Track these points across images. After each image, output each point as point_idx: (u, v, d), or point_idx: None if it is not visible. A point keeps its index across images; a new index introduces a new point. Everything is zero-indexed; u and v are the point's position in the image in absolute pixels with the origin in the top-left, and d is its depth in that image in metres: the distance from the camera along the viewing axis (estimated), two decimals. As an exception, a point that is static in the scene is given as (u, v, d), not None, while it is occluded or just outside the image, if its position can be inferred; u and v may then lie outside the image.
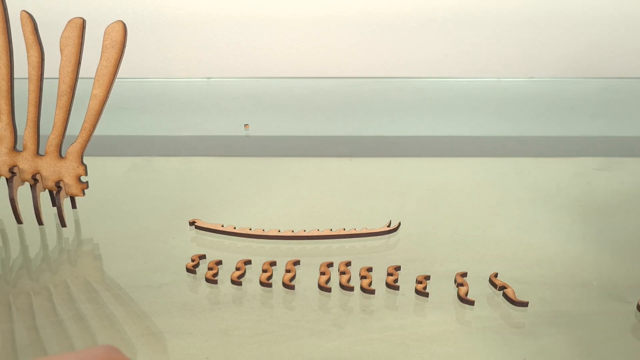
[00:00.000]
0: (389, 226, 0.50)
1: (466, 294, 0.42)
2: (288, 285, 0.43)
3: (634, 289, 0.43)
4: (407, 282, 0.43)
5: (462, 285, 0.43)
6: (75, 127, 0.49)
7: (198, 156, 0.70)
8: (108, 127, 0.56)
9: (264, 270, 0.44)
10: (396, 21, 0.97)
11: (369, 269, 0.45)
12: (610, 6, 0.95)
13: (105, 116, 0.48)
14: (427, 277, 0.44)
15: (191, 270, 0.45)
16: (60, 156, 0.49)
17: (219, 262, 0.46)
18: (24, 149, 0.49)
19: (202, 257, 0.46)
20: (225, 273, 0.45)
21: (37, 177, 0.49)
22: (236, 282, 0.44)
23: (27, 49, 0.47)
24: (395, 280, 0.43)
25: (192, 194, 0.58)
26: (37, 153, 0.49)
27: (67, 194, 0.51)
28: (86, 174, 0.50)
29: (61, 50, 0.47)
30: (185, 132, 0.78)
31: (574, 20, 0.96)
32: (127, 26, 0.46)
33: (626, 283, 0.44)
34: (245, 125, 0.77)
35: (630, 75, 1.00)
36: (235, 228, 0.50)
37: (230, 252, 0.48)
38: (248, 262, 0.46)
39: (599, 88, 0.98)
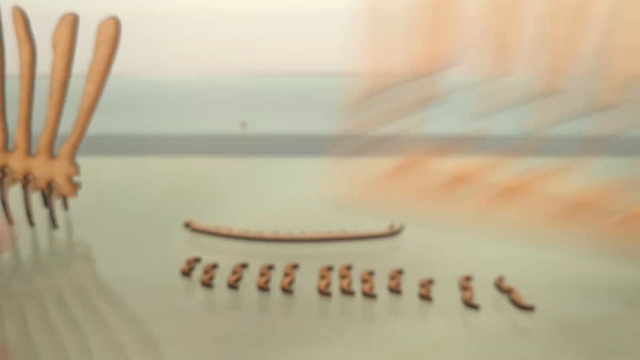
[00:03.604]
0: (391, 228, 0.50)
1: (471, 298, 0.41)
2: (286, 290, 0.42)
3: (644, 292, 0.43)
4: (410, 287, 0.43)
5: (466, 289, 0.42)
6: (68, 125, 0.48)
7: (193, 156, 0.69)
8: (101, 126, 0.56)
9: (262, 274, 0.44)
10: (397, 17, 0.96)
11: (371, 273, 0.44)
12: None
13: (97, 114, 0.48)
14: (431, 281, 0.43)
15: (186, 273, 0.44)
16: (52, 156, 0.49)
17: (215, 266, 0.45)
18: (16, 148, 0.48)
19: (198, 260, 0.46)
20: (222, 277, 0.44)
21: (29, 177, 0.48)
22: (233, 286, 0.43)
23: (18, 46, 0.47)
24: (398, 285, 0.43)
25: (187, 195, 0.58)
26: (29, 153, 0.49)
27: (58, 195, 0.50)
28: (78, 174, 0.49)
29: (53, 47, 0.46)
30: (180, 131, 0.78)
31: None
32: (120, 22, 0.45)
33: (636, 286, 0.43)
34: (241, 124, 0.76)
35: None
36: (232, 230, 0.49)
37: (226, 255, 0.47)
38: (245, 266, 0.45)
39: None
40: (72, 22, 0.46)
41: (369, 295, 0.42)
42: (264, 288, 0.43)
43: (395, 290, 0.42)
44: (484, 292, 0.42)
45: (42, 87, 0.48)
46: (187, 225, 0.50)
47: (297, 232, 0.49)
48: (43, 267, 0.46)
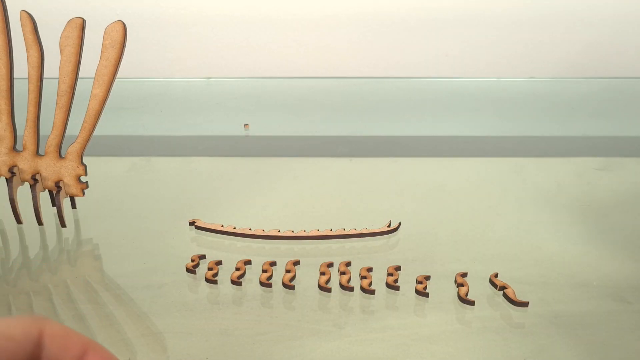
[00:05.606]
0: (389, 226, 0.50)
1: (466, 294, 0.42)
2: (288, 286, 0.43)
3: (634, 289, 0.43)
4: (407, 282, 0.43)
5: (462, 285, 0.43)
6: (75, 127, 0.49)
7: (198, 156, 0.70)
8: (108, 127, 0.56)
9: (264, 271, 0.44)
10: (396, 21, 0.97)
11: (369, 269, 0.45)
12: (610, 6, 0.95)
13: (105, 116, 0.48)
14: (427, 277, 0.44)
15: (191, 270, 0.45)
16: (60, 156, 0.49)
17: (219, 262, 0.46)
18: (24, 149, 0.49)
19: (202, 257, 0.46)
20: (225, 273, 0.45)
21: (37, 177, 0.49)
22: (236, 282, 0.44)
23: (26, 49, 0.47)
24: (396, 281, 0.43)
25: (192, 194, 0.58)
26: (37, 153, 0.49)
27: (66, 194, 0.51)
28: (86, 174, 0.50)
29: (61, 50, 0.46)
30: (185, 132, 0.78)
31: (574, 20, 0.96)
32: (127, 26, 0.46)
33: (626, 283, 0.44)
34: (245, 125, 0.77)
35: (630, 75, 1.00)
36: (235, 228, 0.50)
37: (230, 252, 0.48)
38: (248, 262, 0.46)
39: (599, 88, 0.98)
40: (80, 26, 0.46)
41: (368, 290, 0.43)
42: (266, 284, 0.44)
43: (392, 286, 0.43)
44: (479, 288, 0.43)
45: (51, 90, 0.48)
46: (192, 223, 0.51)
47: (298, 230, 0.50)
48: (51, 264, 0.47)
